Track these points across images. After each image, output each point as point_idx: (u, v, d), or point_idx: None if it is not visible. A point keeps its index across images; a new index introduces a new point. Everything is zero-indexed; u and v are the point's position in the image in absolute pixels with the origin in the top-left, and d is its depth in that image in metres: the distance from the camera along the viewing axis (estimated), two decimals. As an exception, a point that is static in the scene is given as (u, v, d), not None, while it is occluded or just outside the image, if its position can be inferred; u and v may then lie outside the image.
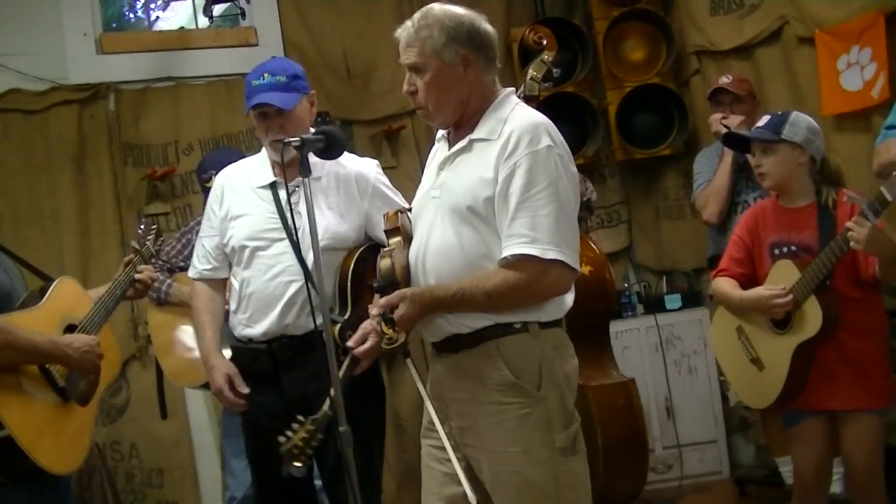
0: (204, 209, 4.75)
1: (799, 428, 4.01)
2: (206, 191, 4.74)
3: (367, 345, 3.36)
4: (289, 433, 3.13)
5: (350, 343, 3.36)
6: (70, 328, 3.44)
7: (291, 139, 3.01)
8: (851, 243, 3.60)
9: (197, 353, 4.49)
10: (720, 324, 4.26)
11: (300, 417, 3.09)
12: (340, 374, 3.18)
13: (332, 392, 3.03)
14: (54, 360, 3.25)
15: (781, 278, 3.88)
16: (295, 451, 3.08)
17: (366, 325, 3.39)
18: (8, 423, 3.01)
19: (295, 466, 3.04)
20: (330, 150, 3.11)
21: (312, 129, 3.17)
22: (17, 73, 5.77)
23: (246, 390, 3.67)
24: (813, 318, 3.81)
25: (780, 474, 5.25)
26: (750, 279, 4.06)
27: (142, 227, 4.20)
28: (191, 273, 3.93)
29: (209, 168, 4.82)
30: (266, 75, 3.69)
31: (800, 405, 3.97)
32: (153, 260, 4.78)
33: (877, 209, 3.55)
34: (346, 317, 3.54)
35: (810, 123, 3.96)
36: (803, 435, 4.00)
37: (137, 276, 3.83)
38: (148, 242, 4.11)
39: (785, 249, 3.96)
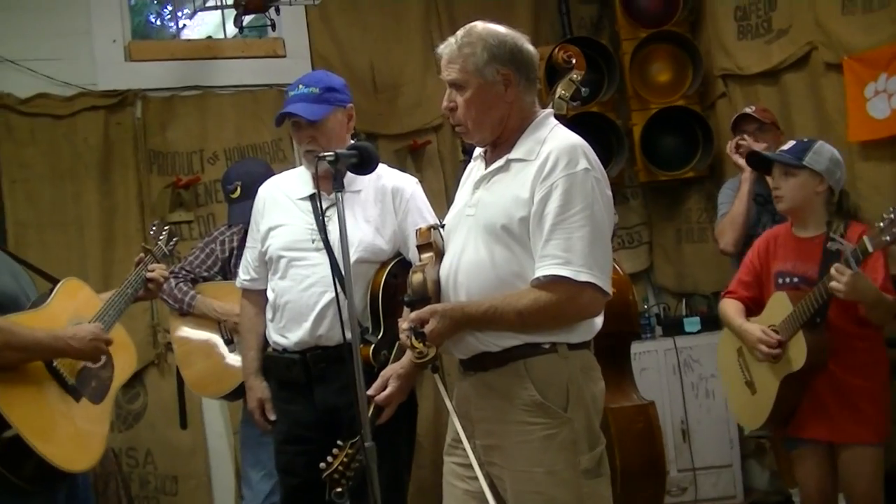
0: (228, 219, 4.80)
1: (798, 452, 4.09)
2: (231, 202, 4.77)
3: (389, 391, 3.37)
4: (329, 458, 3.12)
5: (370, 392, 3.32)
6: None
7: (326, 154, 3.01)
8: (833, 291, 3.66)
9: (219, 363, 4.54)
10: (725, 343, 4.35)
11: (339, 442, 3.08)
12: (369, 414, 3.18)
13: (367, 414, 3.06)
14: (59, 353, 3.21)
15: (775, 310, 3.95)
16: (336, 475, 3.07)
17: (386, 373, 3.41)
18: (14, 422, 2.99)
19: (336, 492, 3.02)
20: (364, 166, 3.12)
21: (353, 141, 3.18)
22: (46, 78, 5.79)
23: (273, 418, 3.77)
24: (798, 354, 3.86)
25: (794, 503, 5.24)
26: (757, 303, 4.11)
27: (154, 227, 4.22)
28: (237, 284, 3.99)
29: (234, 179, 4.82)
30: (301, 86, 3.73)
31: (795, 432, 4.03)
32: (177, 267, 4.82)
33: (858, 258, 3.60)
34: (379, 336, 3.56)
35: (834, 154, 3.99)
36: (805, 460, 4.07)
37: (149, 274, 3.80)
38: (160, 242, 4.11)
39: (788, 280, 4.01)
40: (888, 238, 3.51)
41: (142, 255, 3.91)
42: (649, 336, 6.37)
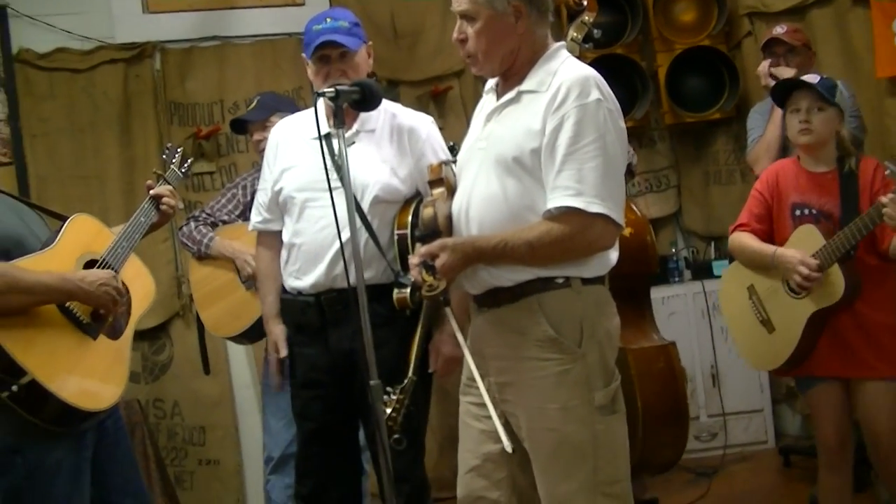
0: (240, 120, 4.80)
1: (813, 392, 4.01)
2: (246, 112, 4.80)
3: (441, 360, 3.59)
4: (387, 409, 3.09)
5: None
6: (91, 264, 3.35)
7: (325, 90, 2.96)
8: (885, 219, 3.59)
9: (234, 302, 4.55)
10: (731, 281, 4.24)
11: (388, 388, 3.04)
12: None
13: (412, 357, 3.12)
14: (68, 297, 3.16)
15: (804, 243, 3.86)
16: (389, 422, 3.03)
17: (434, 345, 3.52)
18: (30, 367, 2.96)
19: (395, 439, 2.99)
20: (366, 103, 3.06)
21: None
22: (65, 33, 5.81)
23: (284, 353, 3.73)
24: (835, 286, 3.79)
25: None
26: (768, 236, 4.03)
27: (167, 151, 4.13)
28: (249, 227, 3.95)
29: (256, 97, 4.89)
30: (328, 19, 3.66)
31: (811, 370, 3.96)
32: (198, 211, 4.81)
33: None
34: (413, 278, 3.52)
35: (849, 94, 3.94)
36: (819, 399, 4.00)
37: (152, 192, 3.67)
38: (172, 166, 4.03)
39: (806, 212, 3.93)
40: None
41: (150, 181, 3.80)
42: (678, 280, 6.31)
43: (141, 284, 3.58)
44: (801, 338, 3.88)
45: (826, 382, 3.94)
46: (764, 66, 5.01)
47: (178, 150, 4.15)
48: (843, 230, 3.76)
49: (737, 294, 4.16)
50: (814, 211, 3.91)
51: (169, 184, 3.89)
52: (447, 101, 6.30)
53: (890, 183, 3.63)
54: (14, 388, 2.94)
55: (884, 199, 3.59)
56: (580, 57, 4.17)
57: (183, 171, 4.09)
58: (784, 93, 4.05)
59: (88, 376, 3.19)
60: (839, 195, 3.88)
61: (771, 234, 4.03)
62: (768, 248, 3.96)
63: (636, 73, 6.25)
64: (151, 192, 3.69)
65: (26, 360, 2.98)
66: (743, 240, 4.07)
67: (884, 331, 3.85)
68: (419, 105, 6.15)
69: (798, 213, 3.94)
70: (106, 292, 3.23)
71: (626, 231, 4.60)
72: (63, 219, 3.46)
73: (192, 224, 4.76)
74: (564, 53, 3.05)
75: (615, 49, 6.16)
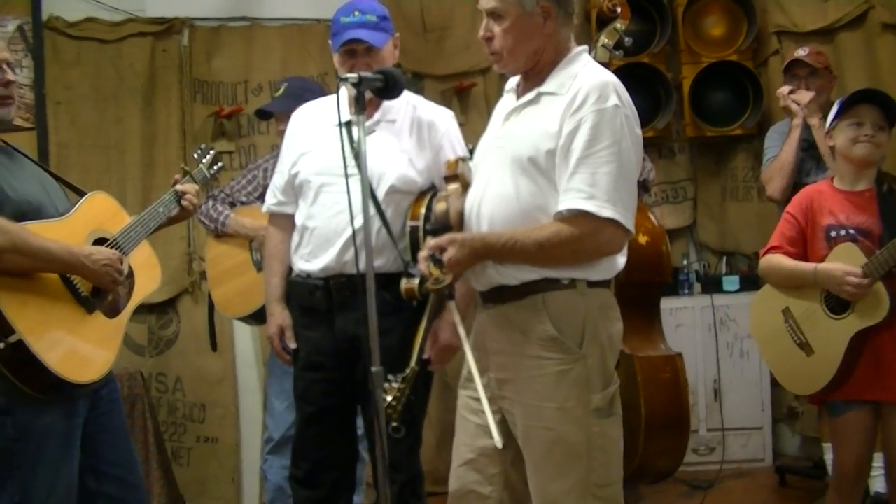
0: (264, 110, 4.84)
1: (845, 418, 3.92)
2: (273, 98, 4.84)
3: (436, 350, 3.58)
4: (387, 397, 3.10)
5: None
6: (101, 242, 3.37)
7: (349, 75, 2.98)
8: None
9: (246, 283, 4.60)
10: (764, 304, 4.15)
11: (390, 377, 3.06)
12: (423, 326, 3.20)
13: (415, 347, 3.10)
14: (69, 269, 3.17)
15: (843, 261, 3.80)
16: (389, 411, 3.05)
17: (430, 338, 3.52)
18: (19, 326, 2.97)
19: (394, 427, 3.00)
20: (388, 91, 3.08)
21: None
22: (95, 3, 5.85)
23: (293, 346, 3.75)
24: (880, 302, 3.73)
25: (824, 465, 5.14)
26: (801, 260, 3.97)
27: (199, 150, 4.20)
28: (263, 209, 3.97)
29: (283, 82, 4.93)
30: (356, 13, 3.66)
31: (847, 395, 3.88)
32: (217, 190, 4.84)
33: None
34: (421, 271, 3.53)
35: None
36: (848, 426, 3.91)
37: (178, 186, 3.73)
38: (202, 165, 4.09)
39: (843, 232, 3.88)
40: None
41: (177, 175, 3.86)
42: (687, 292, 6.30)
43: (147, 272, 3.60)
44: (843, 359, 3.81)
45: (859, 408, 3.87)
46: (784, 89, 5.01)
47: (212, 150, 4.23)
48: (889, 245, 3.71)
49: (770, 318, 4.08)
50: (851, 231, 3.86)
51: (195, 181, 3.95)
52: (471, 98, 6.31)
53: None
54: (1, 345, 2.96)
55: None
56: (608, 63, 4.21)
57: (212, 172, 4.15)
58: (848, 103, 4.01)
59: (76, 347, 3.20)
60: (878, 213, 3.84)
61: (804, 258, 3.96)
62: (808, 266, 3.89)
63: (661, 82, 6.26)
64: (178, 187, 3.74)
65: (18, 319, 2.99)
66: (777, 260, 3.99)
67: None
68: (443, 100, 6.15)
69: (834, 233, 3.89)
70: (108, 272, 3.25)
71: (643, 239, 4.63)
72: (83, 194, 3.49)
73: (211, 203, 4.81)
74: (586, 57, 3.06)
75: (641, 58, 6.16)
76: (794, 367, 4.03)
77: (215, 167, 4.23)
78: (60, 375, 3.07)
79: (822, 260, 3.89)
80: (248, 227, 4.70)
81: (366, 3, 3.81)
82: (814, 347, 3.93)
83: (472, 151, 3.60)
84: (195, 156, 4.19)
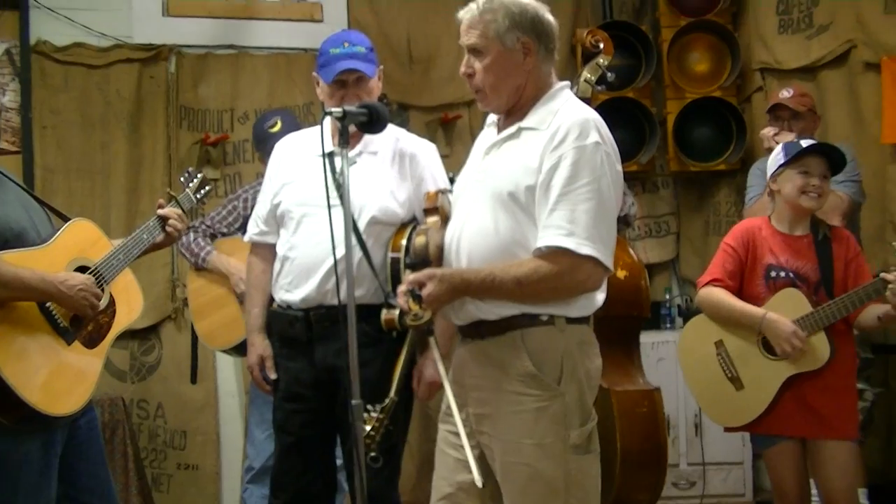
0: (259, 147, 4.84)
1: (774, 451, 4.04)
2: (270, 136, 4.77)
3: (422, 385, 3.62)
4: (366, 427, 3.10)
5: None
6: (82, 270, 3.32)
7: (333, 109, 2.99)
8: (889, 295, 3.67)
9: (229, 315, 4.58)
10: (697, 332, 4.22)
11: (369, 406, 3.07)
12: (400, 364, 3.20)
13: (395, 377, 3.10)
14: (44, 296, 3.13)
15: (787, 306, 3.90)
16: (367, 440, 3.05)
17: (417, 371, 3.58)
18: None
19: (372, 457, 3.00)
20: (372, 125, 3.08)
21: None
22: (83, 28, 5.89)
23: (273, 376, 3.74)
24: (820, 351, 3.85)
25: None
26: (737, 294, 4.04)
27: (186, 174, 4.13)
28: (245, 238, 3.97)
29: (272, 116, 4.94)
30: (346, 44, 3.69)
31: (769, 429, 4.00)
32: (198, 221, 4.84)
33: None
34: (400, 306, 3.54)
35: (850, 158, 4.16)
36: (781, 457, 4.03)
37: (160, 211, 3.66)
38: (188, 190, 4.04)
39: (782, 274, 3.97)
40: None
41: (162, 200, 3.79)
42: (669, 326, 6.33)
43: (129, 300, 3.55)
44: (774, 398, 3.92)
45: (786, 441, 3.98)
46: (769, 131, 5.05)
47: (199, 175, 4.16)
48: (837, 300, 3.82)
49: (700, 347, 4.15)
50: (791, 274, 3.95)
51: (180, 206, 3.90)
52: (455, 130, 6.35)
53: (860, 254, 3.84)
54: None
55: (889, 276, 3.66)
56: (591, 98, 4.24)
57: (198, 197, 4.09)
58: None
59: (53, 379, 3.17)
60: (816, 260, 3.94)
61: (740, 292, 4.03)
62: (756, 311, 3.94)
63: (645, 117, 6.32)
64: (160, 211, 3.69)
65: None
66: (721, 296, 4.03)
67: (845, 392, 3.94)
68: (428, 131, 6.20)
69: (774, 274, 3.98)
70: (84, 297, 3.21)
71: (621, 273, 4.64)
72: (67, 219, 3.45)
73: (192, 235, 4.79)
74: (567, 93, 3.07)
75: (626, 92, 6.23)
76: (722, 399, 4.11)
77: (202, 191, 4.15)
78: (37, 408, 3.05)
79: (759, 297, 3.98)
80: (228, 268, 4.70)
81: (354, 34, 3.83)
82: (744, 383, 4.02)
83: (452, 181, 3.62)
84: (182, 179, 4.13)
